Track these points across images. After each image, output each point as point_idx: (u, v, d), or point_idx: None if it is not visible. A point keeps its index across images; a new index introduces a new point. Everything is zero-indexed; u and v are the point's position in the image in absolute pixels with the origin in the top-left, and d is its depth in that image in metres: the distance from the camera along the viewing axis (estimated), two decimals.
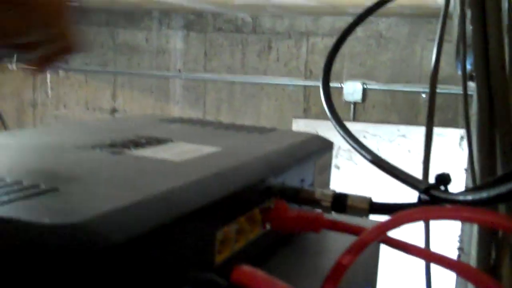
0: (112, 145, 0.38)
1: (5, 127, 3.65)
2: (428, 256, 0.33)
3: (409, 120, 2.92)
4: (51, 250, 0.22)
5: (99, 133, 0.44)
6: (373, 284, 0.47)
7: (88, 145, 0.37)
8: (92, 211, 0.24)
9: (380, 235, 0.28)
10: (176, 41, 3.26)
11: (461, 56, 0.68)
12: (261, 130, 0.50)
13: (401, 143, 2.78)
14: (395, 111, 2.95)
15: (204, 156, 0.37)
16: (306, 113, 3.01)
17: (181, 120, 0.51)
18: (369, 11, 0.56)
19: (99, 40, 3.41)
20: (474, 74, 0.61)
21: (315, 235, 0.38)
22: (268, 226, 0.37)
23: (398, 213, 0.28)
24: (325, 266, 0.40)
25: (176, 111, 3.33)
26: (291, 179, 0.40)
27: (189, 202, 0.28)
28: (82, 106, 3.50)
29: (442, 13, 0.58)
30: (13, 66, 3.05)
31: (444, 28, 0.58)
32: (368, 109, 2.95)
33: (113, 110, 3.43)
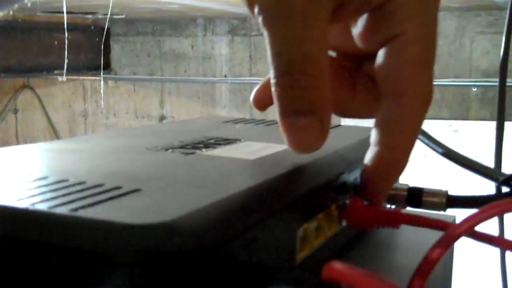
0: (182, 146, 0.38)
1: (57, 137, 3.73)
2: None
3: (460, 115, 2.86)
4: (141, 251, 0.21)
5: (165, 135, 0.44)
6: (450, 278, 0.46)
7: (158, 147, 0.37)
8: (179, 210, 0.23)
9: (471, 228, 0.27)
10: (221, 46, 3.28)
11: None
12: None
13: (453, 139, 2.72)
14: (446, 106, 2.90)
15: (277, 153, 0.36)
16: None
17: (244, 121, 0.51)
18: None
19: (146, 49, 3.46)
20: None
21: (385, 230, 0.37)
22: (344, 223, 0.36)
23: (490, 204, 0.27)
24: (402, 261, 0.39)
25: (223, 115, 3.34)
26: None
27: (273, 200, 0.28)
28: (131, 114, 3.55)
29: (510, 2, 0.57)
30: (63, 78, 3.10)
31: None
32: None
33: (162, 118, 3.47)
